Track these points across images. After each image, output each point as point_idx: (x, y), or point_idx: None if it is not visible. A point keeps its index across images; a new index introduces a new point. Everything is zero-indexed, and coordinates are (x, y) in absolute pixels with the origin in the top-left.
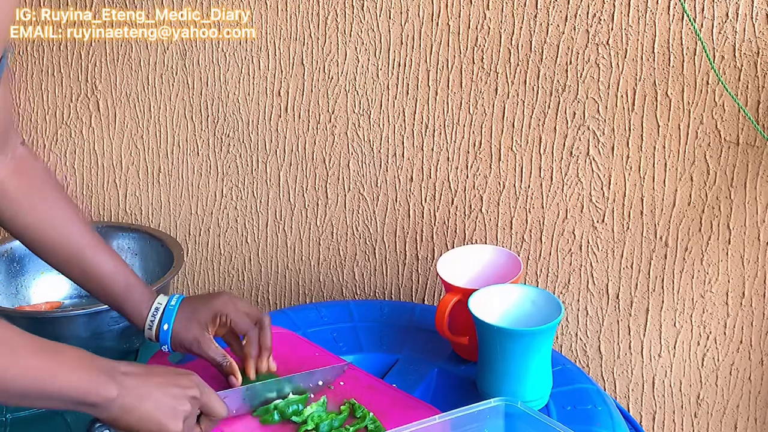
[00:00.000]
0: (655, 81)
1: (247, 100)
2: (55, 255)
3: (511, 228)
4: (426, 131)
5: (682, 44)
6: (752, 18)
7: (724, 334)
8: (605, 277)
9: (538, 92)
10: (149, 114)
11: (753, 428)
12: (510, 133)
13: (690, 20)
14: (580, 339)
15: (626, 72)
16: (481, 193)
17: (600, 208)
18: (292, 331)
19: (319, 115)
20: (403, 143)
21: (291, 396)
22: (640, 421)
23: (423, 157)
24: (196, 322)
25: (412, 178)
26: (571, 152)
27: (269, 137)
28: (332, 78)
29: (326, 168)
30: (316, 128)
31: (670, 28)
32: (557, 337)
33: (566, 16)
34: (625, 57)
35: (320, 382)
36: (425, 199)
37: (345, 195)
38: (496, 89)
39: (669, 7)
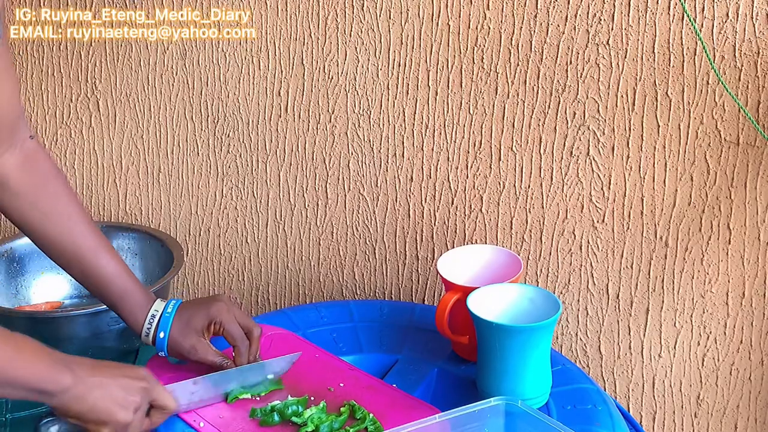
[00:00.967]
0: (655, 81)
1: (247, 100)
2: (56, 252)
3: (511, 228)
4: (426, 131)
5: (682, 44)
6: (752, 18)
7: (724, 334)
8: (605, 277)
9: (538, 92)
10: (149, 114)
11: (753, 428)
12: (510, 133)
13: (690, 20)
14: (580, 339)
15: (626, 72)
16: (481, 193)
17: (600, 208)
18: (292, 331)
19: (319, 115)
20: (403, 143)
21: (289, 398)
22: (640, 421)
23: (423, 157)
24: (193, 329)
25: (412, 178)
26: (571, 152)
27: (269, 137)
28: (332, 78)
29: (326, 168)
30: (316, 128)
31: (670, 28)
32: (557, 337)
33: (566, 16)
34: (625, 57)
35: (270, 376)
36: (425, 199)
37: (345, 195)
38: (496, 89)
39: (669, 7)
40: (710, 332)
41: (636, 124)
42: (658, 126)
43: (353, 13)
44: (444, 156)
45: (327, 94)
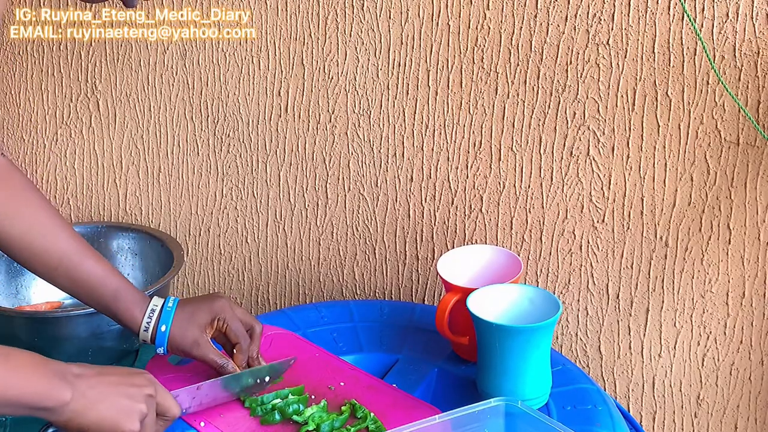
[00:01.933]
0: (655, 81)
1: (247, 100)
2: (42, 262)
3: (511, 228)
4: (426, 131)
5: (682, 44)
6: (752, 18)
7: (725, 334)
8: (605, 277)
9: (538, 92)
10: (149, 114)
11: (753, 428)
12: (510, 133)
13: (690, 20)
14: (580, 339)
15: (626, 72)
16: (481, 193)
17: (600, 208)
18: (292, 331)
19: (319, 115)
20: (403, 143)
21: (290, 397)
22: (640, 421)
23: (423, 157)
24: (195, 324)
25: (412, 178)
26: (571, 152)
27: (269, 137)
28: (332, 78)
29: (326, 168)
30: (316, 128)
31: (670, 28)
32: (557, 337)
33: (566, 16)
34: (626, 57)
35: (267, 378)
36: (425, 199)
37: (345, 195)
38: (496, 89)
39: (669, 7)
40: (710, 332)
41: (636, 124)
42: (658, 126)
43: (353, 13)
44: (444, 156)
45: (327, 94)
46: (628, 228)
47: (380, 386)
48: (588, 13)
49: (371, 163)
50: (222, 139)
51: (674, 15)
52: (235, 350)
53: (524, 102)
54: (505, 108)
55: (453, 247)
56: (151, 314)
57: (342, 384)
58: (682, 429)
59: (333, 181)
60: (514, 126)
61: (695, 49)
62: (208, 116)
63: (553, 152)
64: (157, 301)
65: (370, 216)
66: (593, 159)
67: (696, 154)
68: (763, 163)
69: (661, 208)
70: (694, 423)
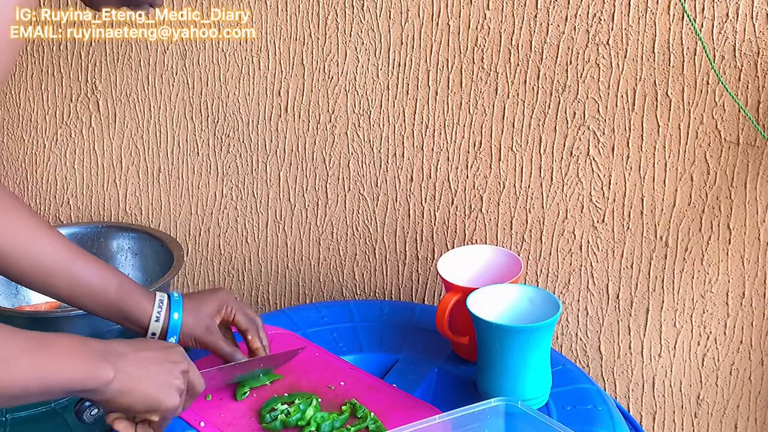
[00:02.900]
0: (655, 81)
1: (247, 100)
2: (41, 272)
3: (511, 228)
4: (426, 131)
5: (682, 44)
6: (752, 18)
7: (724, 334)
8: (605, 277)
9: (538, 92)
10: (149, 114)
11: (753, 428)
12: (510, 133)
13: (690, 20)
14: (580, 339)
15: (626, 72)
16: (481, 193)
17: (600, 208)
18: (292, 331)
19: (319, 115)
20: (403, 143)
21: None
22: (640, 421)
23: (423, 157)
24: (204, 312)
25: (412, 178)
26: (571, 152)
27: (269, 137)
28: (332, 78)
29: (326, 168)
30: (316, 128)
31: (670, 28)
32: (557, 337)
33: (566, 16)
34: (625, 57)
35: (272, 368)
36: (425, 199)
37: (345, 195)
38: (496, 89)
39: (669, 7)
40: (710, 332)
41: (636, 124)
42: (658, 126)
43: (353, 13)
44: (444, 156)
45: (327, 94)
46: (628, 228)
47: (380, 386)
48: (588, 13)
49: (371, 163)
50: (222, 139)
51: (674, 15)
52: (249, 336)
53: (524, 102)
54: (505, 108)
55: (453, 247)
56: (161, 304)
57: (342, 384)
58: (682, 429)
59: (333, 181)
60: (514, 126)
61: (695, 49)
62: (208, 116)
63: (553, 152)
64: (161, 295)
65: (370, 216)
66: (593, 159)
67: (696, 154)
68: (763, 163)
69: (661, 208)
70: (694, 423)
